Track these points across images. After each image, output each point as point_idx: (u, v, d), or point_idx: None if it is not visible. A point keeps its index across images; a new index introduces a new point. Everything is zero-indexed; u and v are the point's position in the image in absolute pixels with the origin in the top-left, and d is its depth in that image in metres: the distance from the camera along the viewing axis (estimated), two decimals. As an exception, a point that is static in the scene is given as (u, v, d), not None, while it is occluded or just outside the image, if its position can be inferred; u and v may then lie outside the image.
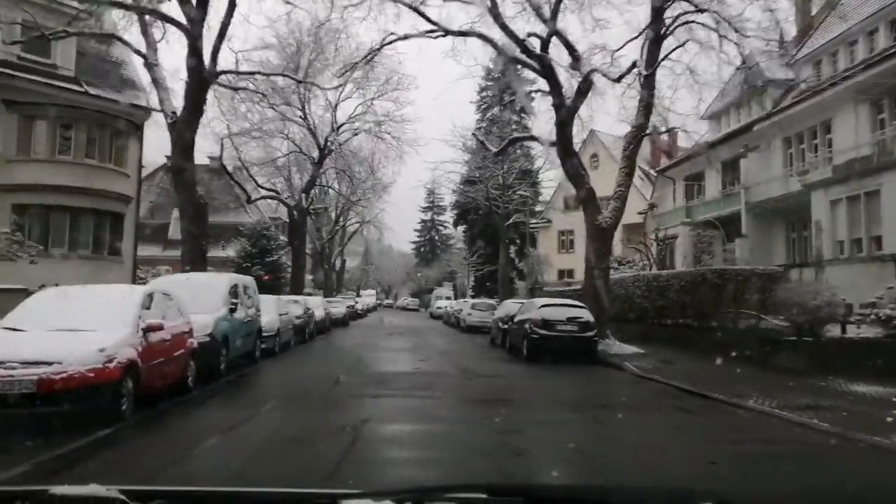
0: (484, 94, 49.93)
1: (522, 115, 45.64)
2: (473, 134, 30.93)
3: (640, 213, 37.36)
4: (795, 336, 14.71)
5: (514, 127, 46.46)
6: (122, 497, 1.88)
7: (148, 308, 9.03)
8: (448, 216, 67.95)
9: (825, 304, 14.57)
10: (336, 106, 33.26)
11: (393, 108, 34.35)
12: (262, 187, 32.99)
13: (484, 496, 1.97)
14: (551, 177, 43.25)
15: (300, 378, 13.07)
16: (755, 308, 17.04)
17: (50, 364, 7.20)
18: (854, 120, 22.10)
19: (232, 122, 28.29)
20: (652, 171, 40.25)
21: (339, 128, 33.11)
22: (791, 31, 24.10)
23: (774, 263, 23.27)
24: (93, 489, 1.92)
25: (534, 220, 45.11)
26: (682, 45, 17.97)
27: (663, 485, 5.30)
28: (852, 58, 23.38)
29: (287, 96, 28.87)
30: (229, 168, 31.54)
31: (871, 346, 13.98)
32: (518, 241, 48.05)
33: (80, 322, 8.12)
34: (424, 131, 57.77)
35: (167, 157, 42.34)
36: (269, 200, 39.87)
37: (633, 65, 17.54)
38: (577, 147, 28.17)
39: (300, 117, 30.69)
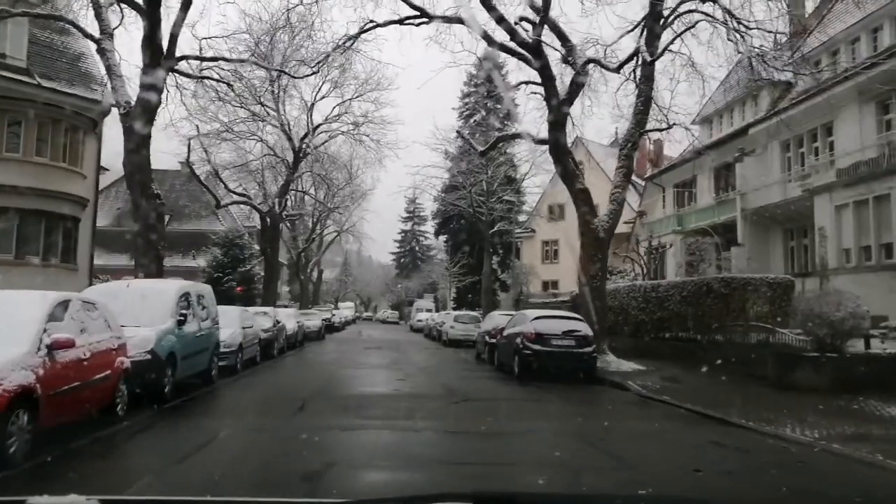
0: (467, 100, 48.48)
1: (506, 122, 44.22)
2: (458, 131, 29.29)
3: (626, 223, 35.92)
4: (817, 351, 13.20)
5: (497, 133, 44.96)
6: None
7: (59, 320, 7.20)
8: (429, 226, 66.28)
9: (849, 315, 13.06)
10: (312, 106, 31.49)
11: (372, 108, 32.67)
12: (234, 192, 31.00)
13: None
14: (537, 182, 41.84)
15: (260, 402, 11.21)
16: (765, 320, 15.54)
17: None
18: (858, 121, 20.83)
19: (201, 123, 26.42)
20: (639, 180, 38.92)
21: (315, 129, 31.26)
22: (790, 27, 22.70)
23: (773, 272, 21.80)
24: (72, 499, 1.86)
25: (518, 230, 43.55)
26: (684, 32, 16.55)
27: (650, 493, 5.05)
28: (854, 56, 22.16)
29: (260, 94, 27.09)
30: (201, 175, 29.58)
31: (902, 363, 12.52)
32: (501, 252, 46.44)
33: (-36, 338, 6.29)
34: (405, 134, 56.30)
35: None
36: (242, 207, 37.90)
37: (636, 51, 16.03)
38: (579, 132, 26.20)
39: (273, 117, 28.84)
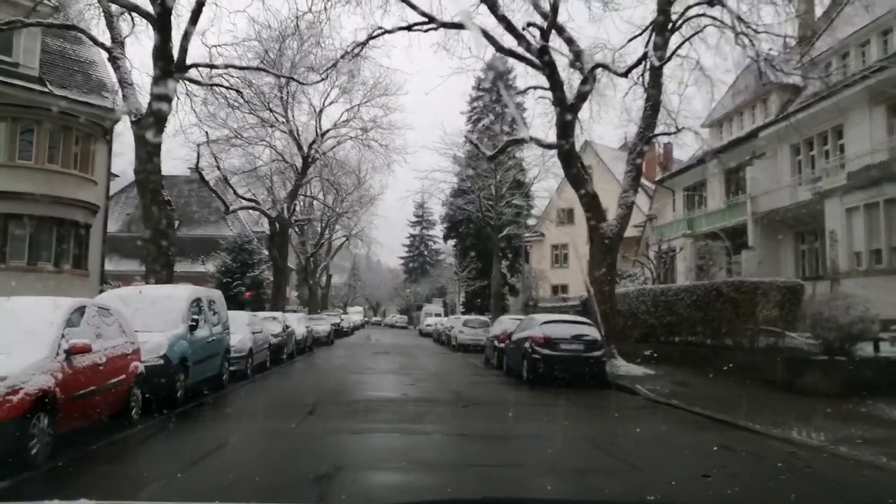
0: (475, 104, 48.70)
1: (515, 126, 44.39)
2: (466, 136, 29.52)
3: (636, 226, 36.03)
4: (826, 355, 13.28)
5: (505, 138, 45.09)
6: None
7: (76, 325, 7.42)
8: (438, 230, 66.46)
9: (858, 319, 13.14)
10: (321, 112, 31.78)
11: (380, 113, 32.94)
12: (243, 198, 31.33)
13: None
14: (546, 187, 41.93)
15: (270, 406, 11.40)
16: (774, 324, 15.61)
17: (-68, 398, 5.59)
18: (868, 124, 20.87)
19: (210, 129, 26.72)
20: (649, 183, 38.99)
21: (323, 134, 31.55)
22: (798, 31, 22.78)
23: (783, 276, 21.84)
24: None
25: (527, 234, 43.67)
26: (693, 36, 16.69)
27: (659, 498, 5.04)
28: (864, 59, 22.22)
29: (269, 100, 27.37)
30: (210, 180, 29.92)
31: (912, 367, 12.59)
32: (510, 256, 46.54)
33: (-15, 343, 6.50)
34: (414, 138, 56.20)
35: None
36: (251, 212, 38.21)
37: (644, 56, 16.18)
38: (584, 138, 26.56)
39: (282, 122, 29.16)
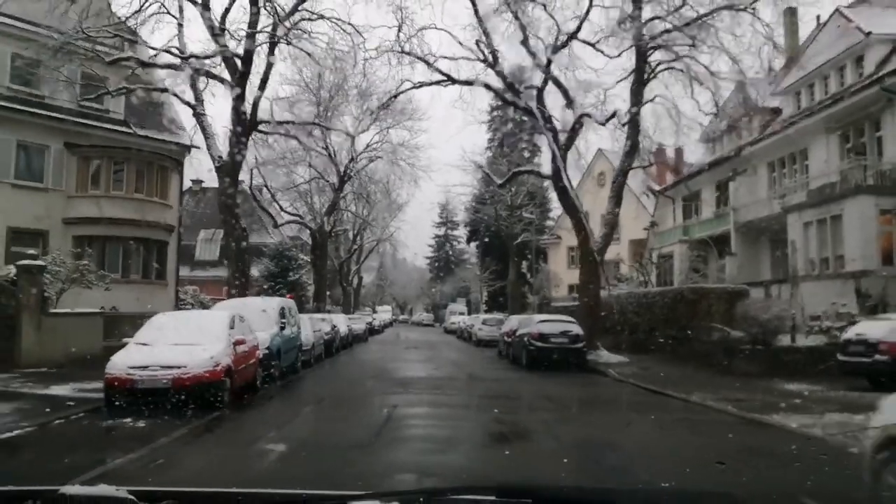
0: (494, 113, 53.82)
1: (533, 132, 49.58)
2: (480, 167, 34.75)
3: (645, 229, 40.96)
4: (750, 345, 18.22)
5: (523, 146, 50.39)
6: (132, 497, 1.94)
7: (233, 328, 12.78)
8: (461, 231, 71.69)
9: (774, 317, 18.10)
10: (354, 139, 37.19)
11: (407, 136, 38.30)
12: (286, 211, 36.95)
13: (492, 498, 2.02)
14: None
15: (338, 382, 16.83)
16: (724, 321, 20.54)
17: (179, 367, 10.96)
18: (826, 149, 25.56)
19: (259, 152, 32.27)
20: (656, 186, 43.70)
21: (357, 156, 37.04)
22: (776, 64, 27.50)
23: (761, 279, 26.72)
24: (102, 489, 1.97)
25: (544, 237, 48.70)
26: (653, 99, 21.64)
27: (674, 486, 5.56)
28: (826, 90, 26.87)
29: (310, 129, 32.78)
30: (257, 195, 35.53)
31: (811, 353, 17.43)
32: (530, 257, 51.73)
33: (189, 338, 11.85)
34: (437, 156, 62.07)
35: (192, 181, 46.62)
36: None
37: (614, 114, 21.21)
38: (585, 165, 31.79)
39: (322, 147, 34.58)
